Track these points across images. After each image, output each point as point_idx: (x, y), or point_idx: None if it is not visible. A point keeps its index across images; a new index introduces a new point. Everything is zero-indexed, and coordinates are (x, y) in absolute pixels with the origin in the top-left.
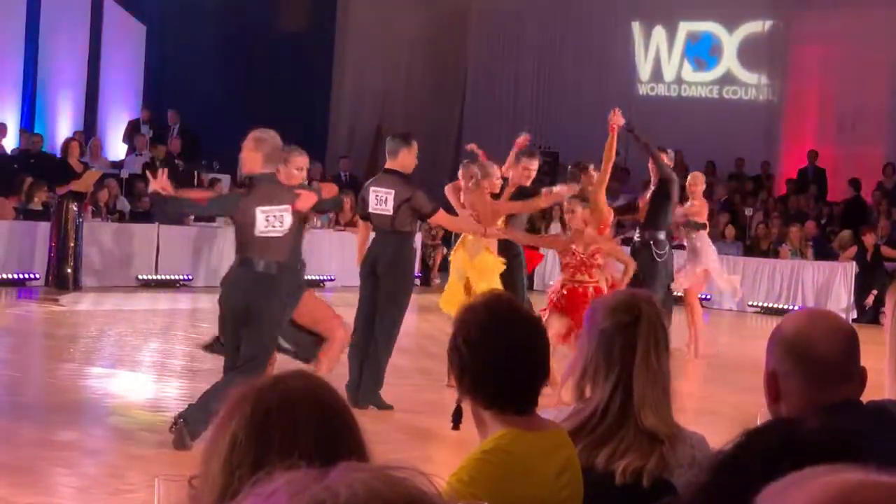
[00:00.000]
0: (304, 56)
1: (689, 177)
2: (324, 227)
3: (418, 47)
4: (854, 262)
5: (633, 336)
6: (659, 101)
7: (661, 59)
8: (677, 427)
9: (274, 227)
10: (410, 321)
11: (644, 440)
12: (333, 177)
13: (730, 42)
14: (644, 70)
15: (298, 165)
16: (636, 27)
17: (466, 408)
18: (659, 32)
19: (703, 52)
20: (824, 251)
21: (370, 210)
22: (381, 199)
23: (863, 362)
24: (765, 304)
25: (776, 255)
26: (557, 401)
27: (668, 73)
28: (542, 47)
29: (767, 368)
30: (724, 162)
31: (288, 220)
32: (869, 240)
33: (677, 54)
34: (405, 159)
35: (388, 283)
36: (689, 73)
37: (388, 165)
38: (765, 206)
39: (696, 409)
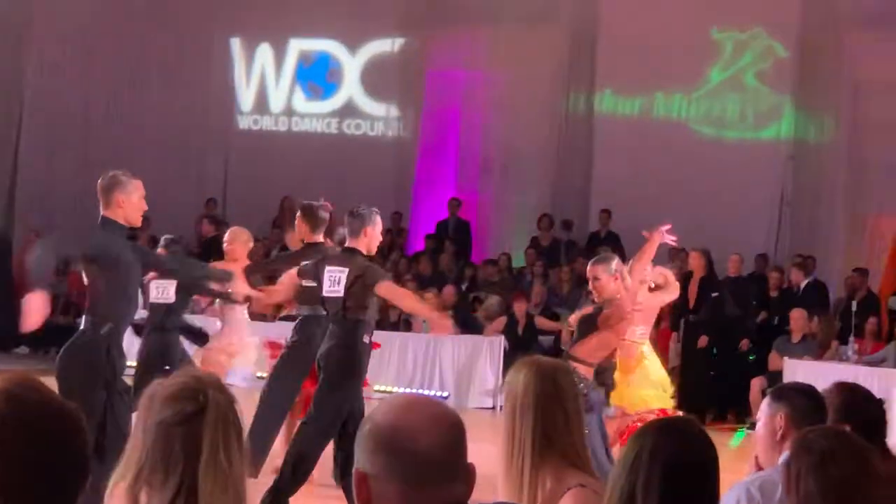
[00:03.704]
0: None
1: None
2: None
3: None
4: (503, 336)
5: (198, 430)
6: (264, 137)
7: (268, 85)
8: None
9: None
10: None
11: None
12: None
13: (352, 65)
14: (246, 99)
15: None
16: (236, 44)
17: None
18: (265, 52)
19: (318, 76)
20: (467, 322)
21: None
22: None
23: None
24: (393, 388)
25: (408, 327)
26: None
27: (276, 103)
28: (119, 67)
29: (357, 468)
30: (342, 213)
31: None
32: (520, 309)
33: (287, 79)
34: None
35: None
36: (301, 102)
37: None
38: (395, 267)
39: None
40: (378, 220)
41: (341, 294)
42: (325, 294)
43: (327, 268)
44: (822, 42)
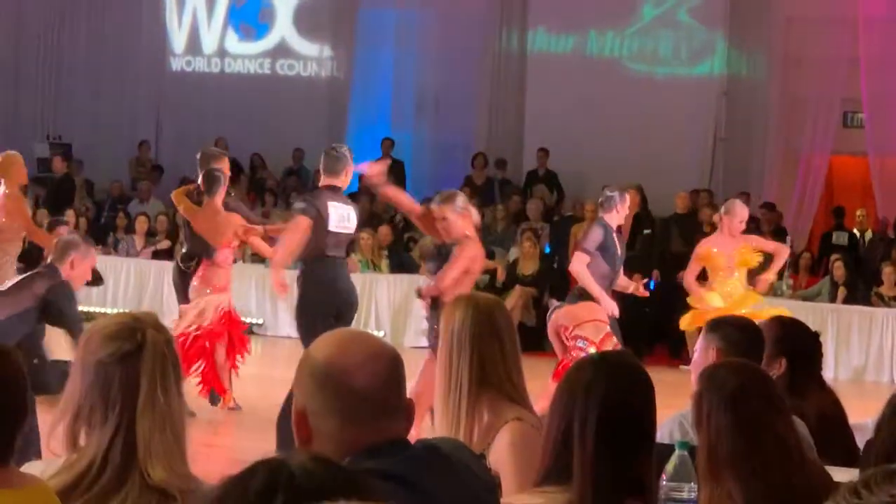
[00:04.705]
0: None
1: None
2: None
3: None
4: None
5: (136, 369)
6: (197, 79)
7: (200, 27)
8: (195, 481)
9: None
10: None
11: (153, 497)
12: None
13: (284, 4)
14: (178, 40)
15: None
16: None
17: None
18: None
19: (250, 17)
20: (403, 262)
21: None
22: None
23: None
24: None
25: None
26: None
27: (209, 44)
28: (49, 9)
29: (296, 405)
30: (279, 154)
31: None
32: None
33: (219, 20)
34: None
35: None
36: (234, 43)
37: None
38: None
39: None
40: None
41: (352, 231)
42: (335, 229)
43: (331, 203)
44: None
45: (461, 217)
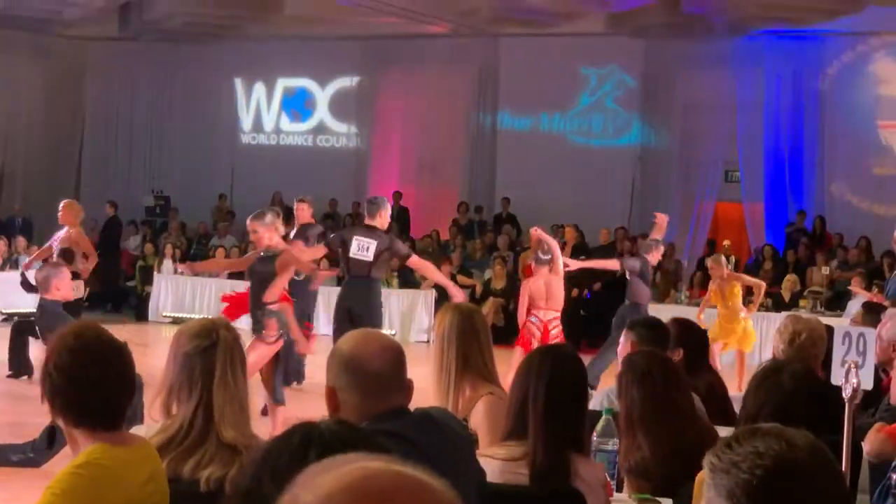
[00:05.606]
0: None
1: None
2: None
3: (37, 98)
4: (433, 290)
5: (212, 358)
6: (260, 149)
7: (262, 112)
8: (255, 438)
9: None
10: None
11: (225, 452)
12: None
13: (322, 96)
14: (246, 121)
15: None
16: (239, 83)
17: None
18: (259, 88)
19: (298, 105)
20: (408, 279)
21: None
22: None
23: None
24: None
25: None
26: None
27: (268, 124)
28: (154, 99)
29: (328, 384)
30: (318, 203)
31: None
32: (446, 269)
33: (275, 107)
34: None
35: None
36: (286, 123)
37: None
38: None
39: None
40: (388, 205)
41: (370, 259)
42: (353, 256)
43: (356, 237)
44: (660, 75)
45: (268, 230)
